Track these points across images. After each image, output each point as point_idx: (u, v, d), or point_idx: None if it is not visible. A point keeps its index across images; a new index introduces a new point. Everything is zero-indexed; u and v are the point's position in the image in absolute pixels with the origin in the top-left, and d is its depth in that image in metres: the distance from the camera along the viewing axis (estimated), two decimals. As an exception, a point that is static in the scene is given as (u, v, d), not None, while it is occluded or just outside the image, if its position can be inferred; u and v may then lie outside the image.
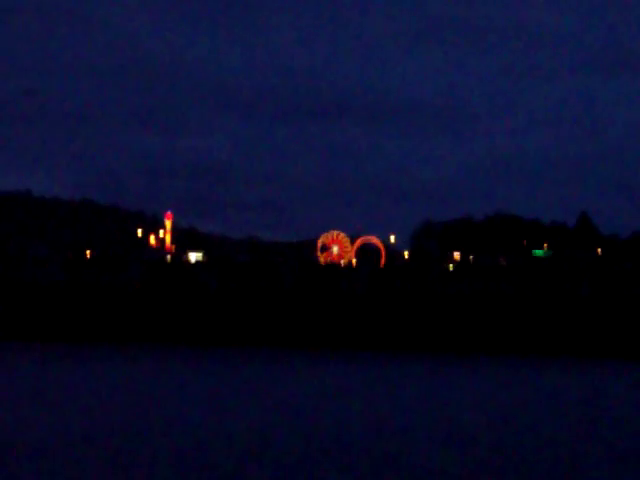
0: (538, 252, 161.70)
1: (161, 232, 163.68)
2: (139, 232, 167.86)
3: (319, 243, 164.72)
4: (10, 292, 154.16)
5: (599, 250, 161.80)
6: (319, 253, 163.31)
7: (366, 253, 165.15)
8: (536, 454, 39.31)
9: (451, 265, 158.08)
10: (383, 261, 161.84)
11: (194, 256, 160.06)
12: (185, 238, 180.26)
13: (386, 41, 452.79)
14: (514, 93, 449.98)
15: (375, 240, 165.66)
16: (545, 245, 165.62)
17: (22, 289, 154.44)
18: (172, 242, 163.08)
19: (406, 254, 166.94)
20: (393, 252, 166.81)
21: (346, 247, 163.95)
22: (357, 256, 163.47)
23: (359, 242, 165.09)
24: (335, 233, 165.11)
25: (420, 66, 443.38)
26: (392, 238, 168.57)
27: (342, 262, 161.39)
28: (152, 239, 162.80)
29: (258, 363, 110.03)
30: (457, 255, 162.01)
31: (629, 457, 39.30)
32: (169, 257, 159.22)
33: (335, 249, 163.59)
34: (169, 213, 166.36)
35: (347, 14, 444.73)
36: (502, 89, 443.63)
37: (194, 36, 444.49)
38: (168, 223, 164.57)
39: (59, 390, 65.83)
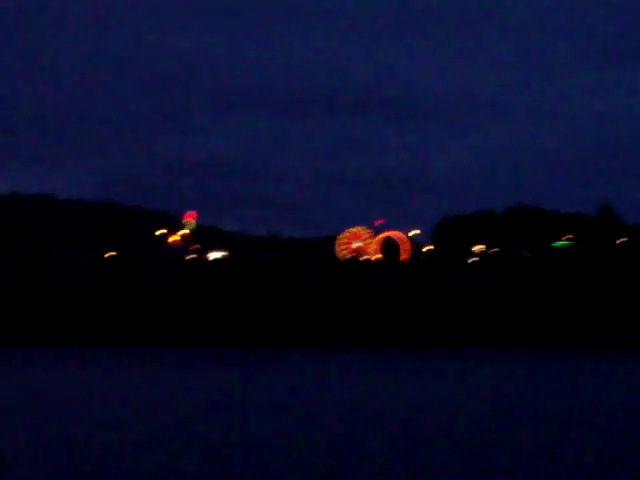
0: (559, 243, 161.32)
1: (183, 231, 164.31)
2: (161, 232, 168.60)
3: (342, 239, 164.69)
4: (35, 294, 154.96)
5: (622, 239, 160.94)
6: (340, 248, 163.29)
7: (388, 248, 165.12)
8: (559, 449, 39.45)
9: (473, 258, 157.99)
10: (406, 255, 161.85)
11: (216, 255, 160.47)
12: (207, 236, 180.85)
13: (399, 36, 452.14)
14: (532, 85, 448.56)
15: (397, 235, 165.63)
16: (566, 236, 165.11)
17: (46, 291, 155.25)
18: (194, 241, 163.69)
19: (428, 248, 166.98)
20: (415, 246, 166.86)
21: (368, 242, 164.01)
22: (380, 251, 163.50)
23: (381, 237, 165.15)
24: (357, 229, 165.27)
25: (439, 60, 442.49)
26: (414, 232, 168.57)
27: (364, 257, 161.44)
28: (174, 238, 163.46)
29: (285, 360, 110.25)
30: (479, 248, 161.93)
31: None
32: (192, 256, 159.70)
33: (357, 245, 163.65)
34: (191, 212, 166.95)
35: (354, 11, 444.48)
36: (520, 81, 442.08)
37: (206, 37, 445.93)
38: (190, 222, 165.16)
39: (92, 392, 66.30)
